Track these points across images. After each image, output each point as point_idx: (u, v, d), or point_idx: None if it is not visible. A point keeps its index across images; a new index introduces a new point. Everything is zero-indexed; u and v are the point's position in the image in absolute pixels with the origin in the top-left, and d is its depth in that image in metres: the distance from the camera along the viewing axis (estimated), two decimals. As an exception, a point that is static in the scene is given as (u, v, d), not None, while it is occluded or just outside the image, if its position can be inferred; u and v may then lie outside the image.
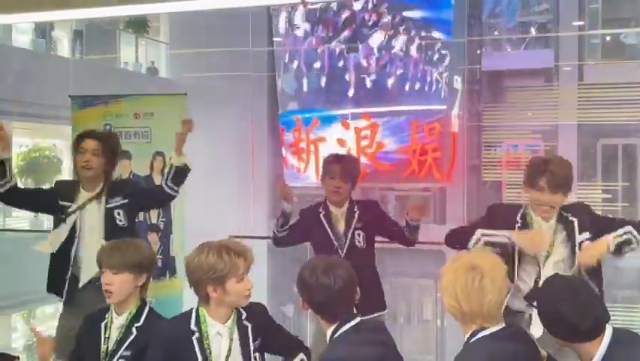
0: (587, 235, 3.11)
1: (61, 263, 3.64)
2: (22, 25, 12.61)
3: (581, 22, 13.19)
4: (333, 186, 3.80)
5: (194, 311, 2.64)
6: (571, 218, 3.14)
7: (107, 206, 3.60)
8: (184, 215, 4.83)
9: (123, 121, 4.74)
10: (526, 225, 3.17)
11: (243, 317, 2.67)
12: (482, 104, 13.19)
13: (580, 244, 3.09)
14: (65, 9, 5.36)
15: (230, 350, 2.60)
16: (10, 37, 12.83)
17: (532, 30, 13.63)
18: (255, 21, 12.36)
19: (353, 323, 2.41)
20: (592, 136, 12.94)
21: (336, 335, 2.39)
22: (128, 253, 2.85)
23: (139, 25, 14.22)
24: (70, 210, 3.61)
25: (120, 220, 3.60)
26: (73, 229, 3.60)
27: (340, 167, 3.79)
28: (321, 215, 3.86)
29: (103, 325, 2.85)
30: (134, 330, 2.82)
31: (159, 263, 4.72)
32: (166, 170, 3.74)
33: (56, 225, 3.70)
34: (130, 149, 4.74)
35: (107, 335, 2.83)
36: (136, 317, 2.85)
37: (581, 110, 12.47)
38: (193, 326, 2.58)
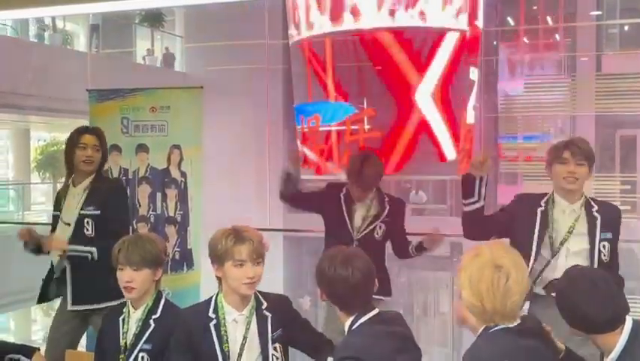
0: (609, 235, 3.11)
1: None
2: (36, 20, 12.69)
3: (599, 12, 13.06)
4: (355, 189, 3.83)
5: (213, 299, 2.68)
6: (595, 213, 3.14)
7: (81, 211, 3.65)
8: (200, 208, 4.85)
9: (140, 114, 4.76)
10: (547, 209, 3.16)
11: (263, 307, 2.69)
12: (499, 95, 13.12)
13: (600, 242, 3.08)
14: (80, 3, 5.40)
15: (245, 338, 2.63)
16: (27, 32, 12.92)
17: (549, 20, 13.51)
18: (271, 13, 12.35)
19: (371, 314, 2.41)
20: (610, 127, 12.84)
21: (354, 327, 2.40)
22: (146, 249, 2.87)
23: (154, 19, 14.26)
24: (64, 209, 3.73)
25: (87, 230, 3.63)
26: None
27: (363, 176, 3.78)
28: (342, 194, 3.87)
29: (121, 320, 2.87)
30: (151, 323, 2.83)
31: (177, 256, 4.75)
32: None
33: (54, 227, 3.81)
34: (147, 142, 4.77)
35: (125, 330, 2.85)
36: (153, 310, 2.86)
37: (599, 100, 12.37)
38: (211, 313, 2.62)
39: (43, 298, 3.90)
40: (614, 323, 2.15)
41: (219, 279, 2.66)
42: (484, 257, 2.15)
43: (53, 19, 12.61)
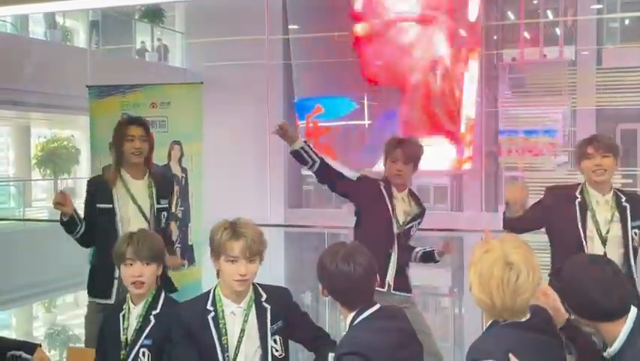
0: (638, 222, 3.28)
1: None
2: (38, 16, 12.68)
3: (600, 6, 13.03)
4: (395, 169, 3.77)
5: (211, 291, 2.68)
6: (624, 203, 3.30)
7: (158, 206, 3.68)
8: (201, 204, 4.85)
9: (140, 110, 4.74)
10: (584, 199, 3.33)
11: (263, 299, 2.69)
12: (499, 90, 13.10)
13: (632, 229, 3.26)
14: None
15: (243, 330, 2.63)
16: (27, 29, 12.91)
17: (550, 14, 13.48)
18: (271, 9, 12.34)
19: (372, 310, 2.41)
20: (610, 121, 12.81)
21: (355, 322, 2.39)
22: (154, 243, 2.87)
23: (154, 15, 14.24)
24: (117, 202, 3.63)
25: (162, 223, 3.71)
26: (115, 222, 3.61)
27: (402, 150, 3.75)
28: (382, 186, 3.80)
29: (121, 316, 2.87)
30: (151, 318, 2.82)
31: (178, 252, 4.74)
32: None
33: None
34: (147, 138, 4.76)
35: (125, 326, 2.84)
36: (153, 305, 2.85)
37: (600, 94, 12.35)
38: (209, 306, 2.62)
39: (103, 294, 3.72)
40: (619, 311, 2.14)
41: (218, 271, 2.67)
42: (494, 253, 2.13)
43: (53, 15, 12.60)
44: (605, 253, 3.19)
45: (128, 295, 2.88)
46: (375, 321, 2.38)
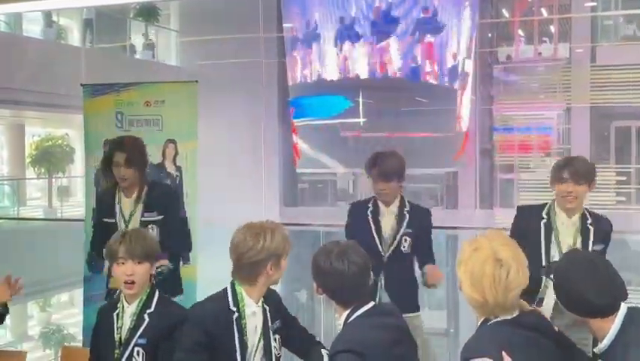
0: (601, 246, 3.25)
1: None
2: (32, 15, 12.63)
3: (594, 4, 13.06)
4: (378, 189, 3.71)
5: (229, 291, 2.65)
6: (588, 226, 3.28)
7: (142, 219, 3.79)
8: (196, 203, 4.84)
9: (134, 109, 4.73)
10: (549, 220, 3.33)
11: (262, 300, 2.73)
12: (494, 87, 13.12)
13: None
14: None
15: (262, 330, 2.65)
16: (21, 27, 12.86)
17: (544, 11, 13.51)
18: (265, 7, 12.33)
19: (367, 307, 2.41)
20: (605, 118, 12.86)
21: (350, 320, 2.40)
22: (147, 241, 2.86)
23: (149, 13, 14.21)
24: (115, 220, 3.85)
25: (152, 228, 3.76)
26: None
27: (378, 170, 3.67)
28: (369, 210, 3.76)
29: (115, 315, 2.85)
30: (145, 317, 2.81)
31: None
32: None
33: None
34: (142, 136, 4.74)
35: (119, 325, 2.83)
36: (147, 304, 2.84)
37: (594, 92, 12.39)
38: (232, 306, 2.61)
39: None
40: (611, 307, 2.16)
41: (257, 275, 2.65)
42: (484, 251, 2.15)
43: (48, 13, 12.56)
44: None
45: (122, 295, 2.87)
46: (370, 318, 2.39)
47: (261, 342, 2.64)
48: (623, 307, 2.17)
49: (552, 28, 13.46)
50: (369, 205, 3.77)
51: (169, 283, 3.66)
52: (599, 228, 3.29)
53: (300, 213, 13.10)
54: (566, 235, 3.29)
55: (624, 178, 12.47)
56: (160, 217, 3.81)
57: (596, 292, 2.14)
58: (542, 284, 3.24)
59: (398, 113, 11.62)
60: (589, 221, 3.29)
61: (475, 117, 12.08)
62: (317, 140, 12.21)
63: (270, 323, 2.67)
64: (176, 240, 3.93)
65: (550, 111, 12.95)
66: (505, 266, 2.11)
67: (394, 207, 3.73)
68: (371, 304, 2.43)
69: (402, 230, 3.69)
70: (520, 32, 13.61)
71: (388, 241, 3.69)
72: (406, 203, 3.77)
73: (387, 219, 3.73)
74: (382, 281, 3.63)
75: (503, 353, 2.03)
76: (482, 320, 2.18)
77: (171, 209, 3.94)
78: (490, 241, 2.18)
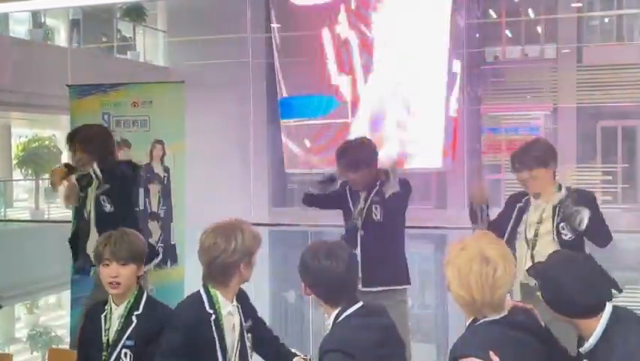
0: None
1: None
2: (19, 15, 12.56)
3: (580, 4, 13.14)
4: (349, 179, 3.74)
5: (203, 294, 2.64)
6: (566, 203, 3.33)
7: (96, 192, 3.85)
8: (184, 203, 4.84)
9: (121, 110, 4.73)
10: (525, 204, 3.48)
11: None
12: (482, 87, 13.17)
13: (559, 224, 3.35)
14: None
15: (241, 327, 2.66)
16: (7, 28, 12.78)
17: (531, 12, 13.58)
18: (253, 7, 12.32)
19: (356, 307, 2.41)
20: (591, 118, 12.93)
21: (339, 320, 2.40)
22: (133, 243, 2.84)
23: (136, 14, 14.16)
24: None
25: (105, 206, 3.83)
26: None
27: (344, 162, 3.70)
28: (347, 187, 3.83)
29: (103, 316, 2.85)
30: (133, 319, 2.80)
31: (160, 252, 4.73)
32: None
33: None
34: (129, 137, 4.74)
35: (107, 326, 2.82)
36: (135, 306, 2.83)
37: (581, 92, 12.46)
38: (209, 309, 2.60)
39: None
40: (595, 307, 2.17)
41: (230, 276, 2.64)
42: (471, 250, 2.16)
43: (36, 14, 12.49)
44: (531, 255, 3.35)
45: (110, 296, 2.86)
46: (359, 318, 2.39)
47: (239, 340, 2.65)
48: (609, 307, 2.18)
49: (539, 29, 13.52)
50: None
51: None
52: (575, 200, 3.32)
53: (290, 214, 13.08)
54: (532, 215, 3.43)
55: (610, 178, 12.55)
56: (107, 186, 3.81)
57: (578, 292, 2.15)
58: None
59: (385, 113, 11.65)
60: (565, 196, 3.35)
61: (462, 118, 12.12)
62: (306, 140, 12.21)
63: (244, 322, 2.68)
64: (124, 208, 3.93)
65: (537, 112, 13.01)
66: (492, 264, 2.12)
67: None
68: (360, 303, 2.44)
69: (370, 198, 3.71)
70: (508, 33, 13.67)
71: (362, 212, 3.72)
72: (379, 176, 3.74)
73: (363, 194, 3.76)
74: (358, 252, 3.59)
75: (491, 352, 2.04)
76: (471, 320, 2.19)
77: (118, 175, 3.89)
78: (477, 240, 2.19)
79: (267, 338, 2.84)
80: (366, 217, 3.70)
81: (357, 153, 3.72)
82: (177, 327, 2.57)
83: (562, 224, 3.32)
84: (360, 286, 3.47)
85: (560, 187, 3.42)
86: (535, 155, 3.41)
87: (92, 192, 3.87)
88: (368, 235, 3.69)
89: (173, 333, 2.57)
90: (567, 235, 3.32)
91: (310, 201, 3.99)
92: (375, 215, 3.70)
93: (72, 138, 3.94)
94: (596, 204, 3.40)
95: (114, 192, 3.83)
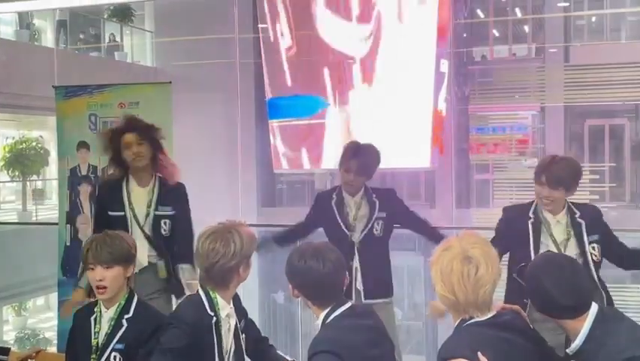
0: (596, 236, 3.22)
1: None
2: (4, 16, 12.48)
3: (567, 4, 13.21)
4: (348, 179, 3.74)
5: (203, 296, 2.63)
6: (579, 220, 3.23)
7: (157, 213, 3.67)
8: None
9: (108, 111, 4.70)
10: (538, 219, 3.27)
11: None
12: (469, 87, 13.21)
13: (589, 244, 3.19)
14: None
15: (237, 329, 2.67)
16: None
17: (518, 12, 13.63)
18: (240, 7, 12.29)
19: (344, 307, 2.40)
20: (578, 117, 13.00)
21: (328, 320, 2.39)
22: (115, 246, 2.81)
23: (123, 14, 14.11)
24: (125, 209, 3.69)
25: (164, 230, 3.68)
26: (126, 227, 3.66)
27: (356, 162, 3.69)
28: (333, 202, 3.80)
29: (92, 319, 2.82)
30: (124, 322, 2.78)
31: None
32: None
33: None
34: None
35: (97, 329, 2.80)
36: (125, 309, 2.81)
37: (568, 91, 12.52)
38: (210, 311, 2.59)
39: None
40: (579, 308, 2.18)
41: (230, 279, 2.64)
42: (453, 250, 2.17)
43: (25, 15, 12.42)
44: None
45: (100, 299, 2.85)
46: (348, 319, 2.38)
47: (234, 342, 2.66)
48: (594, 307, 2.19)
49: (526, 29, 13.59)
50: (333, 196, 3.82)
51: (172, 284, 3.67)
52: (589, 218, 3.24)
53: (278, 214, 13.08)
54: (556, 233, 3.23)
55: (597, 177, 12.62)
56: (173, 213, 3.70)
57: (561, 293, 2.17)
58: None
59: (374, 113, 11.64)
60: (577, 215, 3.24)
61: (450, 117, 12.15)
62: (294, 140, 12.19)
63: (237, 323, 2.69)
64: (183, 240, 3.71)
65: (525, 111, 13.07)
66: (474, 263, 2.13)
67: (359, 196, 3.78)
68: (348, 304, 2.43)
69: (375, 215, 3.73)
70: (495, 32, 13.73)
71: (357, 229, 3.72)
72: (371, 190, 3.81)
73: (353, 207, 3.76)
74: (357, 266, 3.66)
75: (479, 353, 2.04)
76: (458, 321, 2.19)
77: (183, 204, 3.80)
78: (461, 240, 2.20)
79: (258, 340, 2.85)
80: (367, 233, 3.72)
81: (368, 158, 3.76)
82: (180, 327, 2.56)
83: (593, 244, 3.19)
84: (362, 299, 3.61)
85: (567, 206, 3.28)
86: (563, 175, 3.21)
87: (149, 201, 3.69)
88: (367, 251, 3.71)
89: (176, 332, 2.55)
90: (596, 257, 3.18)
91: (287, 239, 4.03)
92: (377, 230, 3.73)
93: (127, 129, 3.69)
94: (601, 215, 3.31)
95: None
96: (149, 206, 3.67)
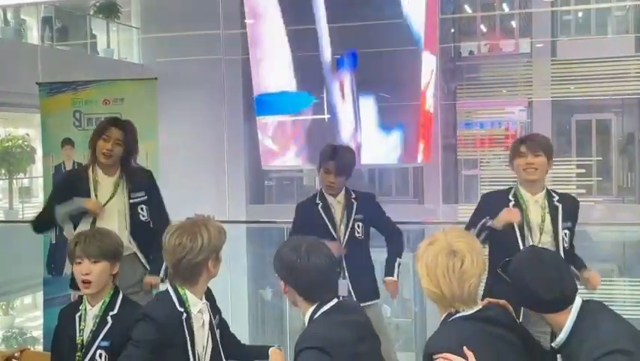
0: (569, 224, 3.28)
1: None
2: (-11, 13, 12.39)
3: (554, -1, 13.26)
4: (328, 181, 3.81)
5: (172, 293, 2.61)
6: (556, 203, 3.29)
7: (131, 201, 3.69)
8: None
9: (93, 107, 4.68)
10: (517, 201, 3.32)
11: None
12: (456, 82, 13.24)
13: (562, 230, 3.25)
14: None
15: (208, 324, 2.65)
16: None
17: (505, 7, 13.67)
18: (226, 3, 12.25)
19: (331, 304, 2.40)
20: (565, 112, 13.06)
21: (316, 316, 2.39)
22: (105, 241, 2.81)
23: (110, 10, 14.02)
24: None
25: (143, 216, 3.71)
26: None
27: (335, 163, 3.78)
28: (319, 207, 3.86)
29: (77, 316, 2.81)
30: (109, 319, 2.78)
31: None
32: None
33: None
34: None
35: (81, 327, 2.79)
36: (110, 306, 2.81)
37: (555, 86, 12.57)
38: (179, 308, 2.57)
39: None
40: (562, 302, 2.19)
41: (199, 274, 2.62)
42: (438, 244, 2.18)
43: (5, 10, 12.32)
44: None
45: (85, 296, 2.83)
46: (335, 315, 2.38)
47: (209, 338, 2.64)
48: (578, 301, 2.20)
49: (513, 24, 13.62)
50: (318, 201, 3.87)
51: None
52: (567, 205, 3.31)
53: (267, 211, 13.07)
54: (533, 213, 3.27)
55: (584, 171, 12.69)
56: (146, 197, 3.72)
57: (544, 288, 2.18)
58: None
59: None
60: (555, 199, 3.30)
61: (438, 113, 12.16)
62: (282, 137, 12.17)
63: (212, 319, 2.67)
64: (161, 226, 3.68)
65: (512, 106, 13.12)
66: (459, 256, 2.14)
67: (341, 197, 3.85)
68: (335, 300, 2.43)
69: (352, 216, 3.80)
70: (483, 28, 13.75)
71: (342, 229, 3.79)
72: (351, 192, 3.88)
73: (337, 207, 3.83)
74: (345, 267, 3.73)
75: (465, 348, 2.04)
76: (444, 315, 2.19)
77: (154, 188, 3.84)
78: (446, 234, 2.21)
79: (229, 337, 2.84)
80: (349, 236, 3.79)
81: (346, 158, 3.85)
82: (150, 323, 2.53)
83: (565, 230, 3.24)
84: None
85: (546, 190, 3.35)
86: (544, 141, 3.35)
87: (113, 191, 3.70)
88: (352, 253, 3.77)
89: (146, 326, 2.53)
90: (567, 244, 3.25)
91: None
92: (358, 232, 3.80)
93: (123, 127, 3.73)
94: (578, 206, 3.38)
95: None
96: (112, 196, 3.67)
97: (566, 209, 3.29)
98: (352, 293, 3.69)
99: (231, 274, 6.93)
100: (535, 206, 3.29)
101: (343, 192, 3.86)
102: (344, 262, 3.73)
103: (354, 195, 3.86)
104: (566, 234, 3.25)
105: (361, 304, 3.49)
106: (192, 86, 11.91)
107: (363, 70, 11.59)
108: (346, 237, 3.78)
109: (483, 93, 13.11)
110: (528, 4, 13.38)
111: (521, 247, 3.20)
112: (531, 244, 3.20)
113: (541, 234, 3.24)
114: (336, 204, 3.84)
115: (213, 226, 2.61)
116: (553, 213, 3.26)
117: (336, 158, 3.79)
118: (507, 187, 3.43)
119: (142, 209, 3.70)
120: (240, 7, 12.42)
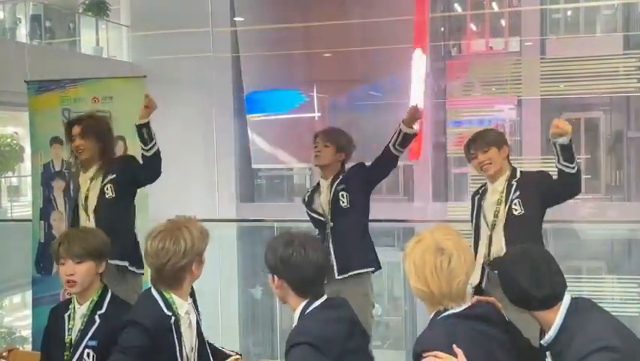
0: (517, 193, 3.41)
1: None
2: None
3: (543, -3, 13.30)
4: (315, 152, 3.84)
5: (158, 297, 2.57)
6: (512, 182, 3.45)
7: (101, 184, 3.70)
8: (147, 201, 4.76)
9: (81, 105, 4.63)
10: (483, 195, 3.54)
11: None
12: (447, 81, 13.26)
13: (512, 202, 3.42)
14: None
15: (195, 324, 2.63)
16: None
17: (495, 5, 13.70)
18: (216, 1, 12.23)
19: (322, 300, 2.38)
20: (554, 110, 13.10)
21: (306, 312, 2.37)
22: (88, 240, 2.78)
23: (99, 8, 13.96)
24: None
25: (108, 194, 3.68)
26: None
27: (320, 135, 3.84)
28: (312, 190, 3.95)
29: (66, 316, 2.80)
30: (97, 318, 2.76)
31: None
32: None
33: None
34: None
35: (70, 326, 2.78)
36: (98, 305, 2.79)
37: (544, 84, 12.62)
38: (167, 311, 2.53)
39: None
40: (551, 300, 2.19)
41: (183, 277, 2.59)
42: (426, 242, 2.18)
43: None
44: (489, 237, 3.41)
45: (74, 295, 2.82)
46: (325, 311, 2.37)
47: (197, 337, 2.63)
48: (567, 298, 2.21)
49: (503, 22, 13.66)
50: (312, 187, 3.98)
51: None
52: (523, 179, 3.44)
53: (257, 209, 13.05)
54: (490, 198, 3.48)
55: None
56: (114, 175, 3.70)
57: (534, 285, 2.18)
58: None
59: (352, 108, 11.68)
60: (515, 179, 3.44)
61: (427, 111, 12.20)
62: (272, 135, 12.17)
63: (198, 316, 2.66)
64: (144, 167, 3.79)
65: (502, 104, 13.16)
66: (447, 254, 2.13)
67: (330, 181, 3.85)
68: (325, 297, 2.42)
69: (334, 187, 3.80)
70: (472, 26, 13.78)
71: (326, 211, 3.81)
72: (345, 170, 3.89)
73: (324, 192, 3.85)
74: (330, 245, 3.72)
75: (454, 346, 2.05)
76: (433, 314, 2.19)
77: (128, 164, 3.83)
78: (433, 233, 2.21)
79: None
80: (332, 206, 3.78)
81: (331, 132, 3.91)
82: (138, 328, 2.50)
83: (516, 200, 3.38)
84: (336, 275, 3.66)
85: (514, 170, 3.50)
86: (487, 138, 3.51)
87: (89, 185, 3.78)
88: (337, 224, 3.77)
89: (134, 332, 2.50)
90: (517, 210, 3.37)
91: None
92: (343, 202, 3.78)
93: (79, 122, 3.78)
94: (543, 175, 3.49)
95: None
96: (89, 189, 3.72)
97: (521, 182, 3.42)
98: (334, 262, 3.67)
99: (221, 272, 6.92)
100: (494, 194, 3.47)
101: (332, 178, 3.84)
102: (331, 239, 3.74)
103: (345, 172, 3.87)
104: (515, 203, 3.38)
105: (343, 276, 3.66)
106: (182, 85, 11.88)
107: (354, 68, 11.62)
108: (329, 208, 3.79)
109: (472, 91, 13.15)
110: (517, 2, 13.42)
111: (482, 228, 3.44)
112: (492, 222, 3.41)
113: (496, 214, 3.42)
114: (325, 185, 3.86)
115: (196, 227, 2.56)
116: (507, 193, 3.42)
117: (321, 132, 3.87)
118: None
119: (107, 188, 3.69)
120: (229, 4, 12.41)
